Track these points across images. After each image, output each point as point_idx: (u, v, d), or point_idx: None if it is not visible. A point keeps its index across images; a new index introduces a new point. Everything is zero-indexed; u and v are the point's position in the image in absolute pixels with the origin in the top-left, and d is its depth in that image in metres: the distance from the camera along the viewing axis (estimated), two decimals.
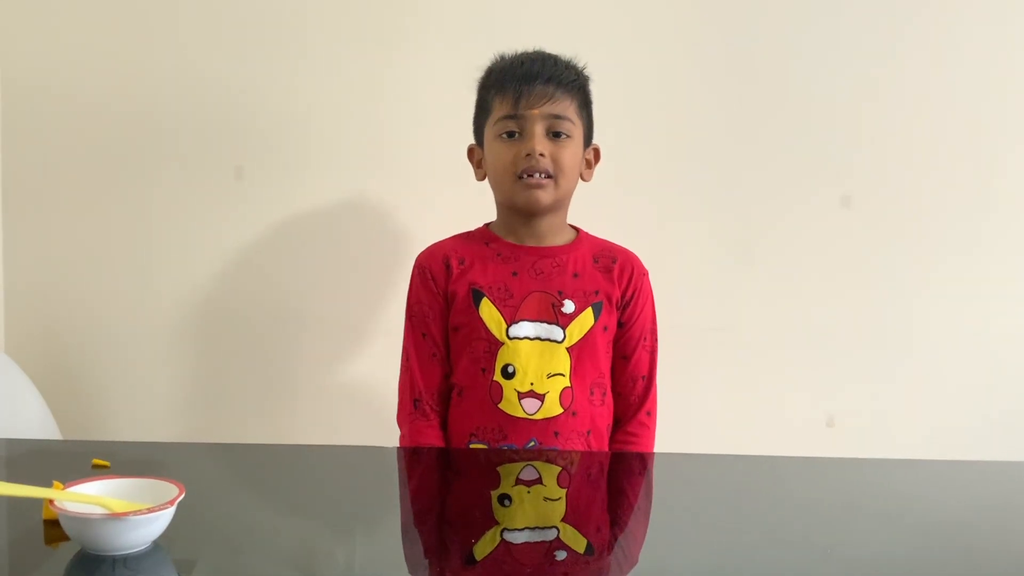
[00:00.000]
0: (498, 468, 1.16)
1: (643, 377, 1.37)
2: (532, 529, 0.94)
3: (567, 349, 1.30)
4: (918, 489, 1.12)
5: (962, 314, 1.76)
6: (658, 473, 1.22)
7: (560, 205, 1.35)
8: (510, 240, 1.36)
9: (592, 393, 1.32)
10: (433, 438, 1.33)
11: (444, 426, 1.35)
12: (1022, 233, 1.75)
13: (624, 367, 1.37)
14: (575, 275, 1.33)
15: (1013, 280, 1.76)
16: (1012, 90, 1.73)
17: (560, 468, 1.16)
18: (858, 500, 1.07)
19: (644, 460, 1.29)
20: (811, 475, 1.18)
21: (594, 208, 1.43)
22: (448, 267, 1.34)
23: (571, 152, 1.31)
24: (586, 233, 1.40)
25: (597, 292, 1.33)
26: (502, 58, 1.36)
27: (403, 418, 1.36)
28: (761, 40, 1.72)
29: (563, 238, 1.38)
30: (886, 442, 1.73)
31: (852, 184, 1.74)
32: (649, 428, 1.37)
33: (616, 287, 1.34)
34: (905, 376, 1.77)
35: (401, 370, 1.37)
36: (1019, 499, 1.10)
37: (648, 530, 0.98)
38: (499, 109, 1.31)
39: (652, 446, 1.38)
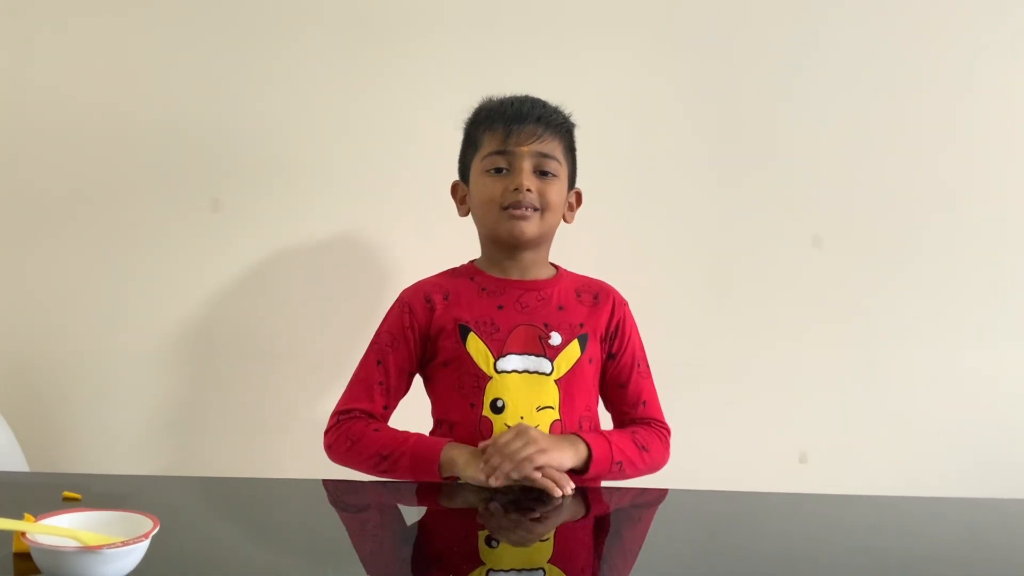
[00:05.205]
0: (487, 502, 1.16)
1: (643, 402, 1.38)
2: (519, 571, 0.94)
3: (555, 382, 1.31)
4: (889, 524, 1.13)
5: (933, 352, 1.79)
6: (626, 510, 1.22)
7: (544, 240, 1.38)
8: (494, 274, 1.38)
9: (580, 427, 1.32)
10: (363, 428, 1.28)
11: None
12: (993, 272, 1.79)
13: (623, 395, 1.38)
14: (560, 308, 1.35)
15: (984, 318, 1.80)
16: (983, 132, 1.78)
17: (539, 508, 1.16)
18: (830, 535, 1.08)
19: (616, 495, 1.30)
20: (784, 510, 1.19)
21: (571, 249, 1.46)
22: (430, 303, 1.35)
23: (557, 190, 1.35)
24: (565, 269, 1.43)
25: (582, 325, 1.35)
26: (491, 99, 1.39)
27: (329, 430, 1.32)
28: (736, 83, 1.76)
29: (546, 273, 1.40)
30: (858, 478, 1.75)
31: (823, 224, 1.77)
32: (663, 439, 1.37)
33: (600, 321, 1.36)
34: (877, 413, 1.79)
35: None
36: (990, 535, 1.11)
37: (619, 566, 0.98)
38: (488, 145, 1.34)
39: (663, 453, 1.37)
